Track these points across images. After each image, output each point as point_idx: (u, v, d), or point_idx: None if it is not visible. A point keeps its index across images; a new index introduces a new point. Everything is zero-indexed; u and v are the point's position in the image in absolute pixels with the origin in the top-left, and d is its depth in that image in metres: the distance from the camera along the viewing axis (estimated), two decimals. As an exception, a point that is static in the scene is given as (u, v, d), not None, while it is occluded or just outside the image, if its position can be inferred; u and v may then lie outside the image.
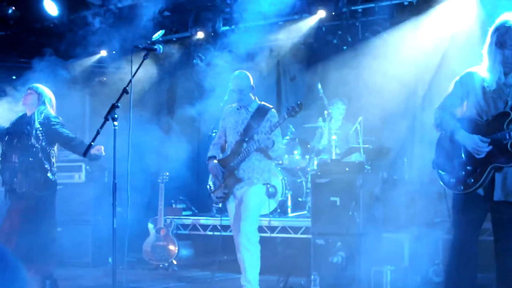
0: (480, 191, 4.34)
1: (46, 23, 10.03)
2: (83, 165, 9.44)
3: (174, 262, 8.61)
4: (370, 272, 6.42)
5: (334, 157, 7.69)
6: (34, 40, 10.35)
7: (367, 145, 7.71)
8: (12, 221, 6.24)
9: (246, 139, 5.97)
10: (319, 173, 7.16)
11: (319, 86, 7.81)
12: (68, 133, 6.32)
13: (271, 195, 8.24)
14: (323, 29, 9.13)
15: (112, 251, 4.89)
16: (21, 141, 6.25)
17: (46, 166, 6.25)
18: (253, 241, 5.92)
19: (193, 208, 9.92)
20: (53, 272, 6.63)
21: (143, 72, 9.10)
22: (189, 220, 9.25)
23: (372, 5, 8.55)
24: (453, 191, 4.48)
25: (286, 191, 8.61)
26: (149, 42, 8.39)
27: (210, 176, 6.26)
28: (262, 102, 6.23)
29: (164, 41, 9.60)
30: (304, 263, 7.04)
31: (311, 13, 8.72)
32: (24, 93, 6.53)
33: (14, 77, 10.07)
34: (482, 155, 4.30)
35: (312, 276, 6.44)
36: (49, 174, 6.27)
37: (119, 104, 5.01)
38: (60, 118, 6.45)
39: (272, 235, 8.20)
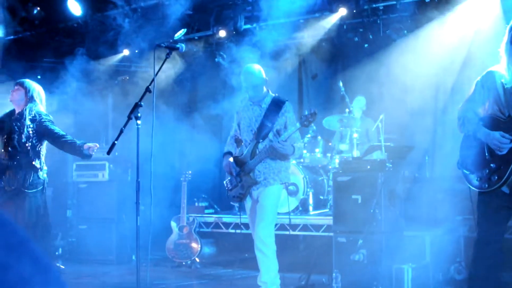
0: (505, 189, 4.35)
1: (70, 23, 10.16)
2: (107, 164, 9.54)
3: (197, 259, 8.67)
4: (391, 270, 6.39)
5: (355, 155, 7.69)
6: (58, 40, 10.47)
7: (388, 143, 7.69)
8: None
9: (261, 140, 5.81)
10: (340, 171, 7.17)
11: (341, 84, 7.82)
12: (59, 130, 6.14)
13: (291, 193, 8.27)
14: (344, 26, 9.14)
15: (136, 249, 4.96)
16: (10, 139, 6.07)
17: (36, 163, 6.05)
18: (268, 243, 5.75)
19: (215, 206, 9.97)
20: None
21: (166, 71, 9.18)
22: (211, 218, 9.28)
23: (394, 2, 8.53)
24: (478, 189, 4.50)
25: (308, 189, 8.61)
26: (171, 41, 8.52)
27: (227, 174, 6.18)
28: (276, 94, 6.04)
29: (186, 40, 9.66)
30: (326, 261, 7.03)
31: (332, 11, 8.72)
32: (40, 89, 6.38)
33: (39, 77, 10.21)
34: (505, 152, 4.32)
35: (334, 274, 6.46)
36: (39, 172, 6.07)
37: (142, 103, 5.07)
38: (50, 116, 6.26)
39: (294, 233, 8.22)
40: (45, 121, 6.13)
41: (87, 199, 9.64)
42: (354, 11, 8.65)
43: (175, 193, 9.14)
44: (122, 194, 9.29)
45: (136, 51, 10.21)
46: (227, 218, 9.11)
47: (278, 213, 6.31)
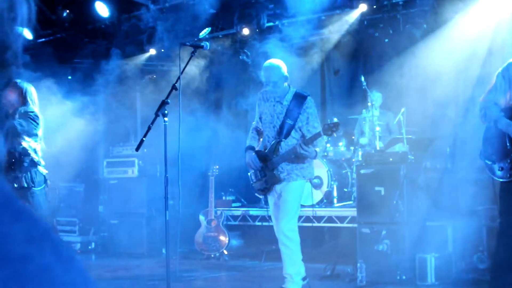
0: (527, 178, 4.42)
1: (98, 24, 10.37)
2: (136, 160, 9.75)
3: (225, 252, 8.82)
4: (415, 259, 6.48)
5: (378, 148, 7.79)
6: (87, 41, 10.70)
7: (410, 136, 7.77)
8: None
9: (283, 139, 5.79)
10: (363, 164, 7.25)
11: (362, 78, 7.90)
12: (24, 127, 5.80)
13: (316, 186, 8.41)
14: (365, 22, 9.19)
15: (166, 242, 5.05)
16: (7, 138, 5.81)
17: (35, 159, 5.87)
18: (291, 237, 5.74)
19: (242, 199, 10.07)
20: None
21: (192, 69, 9.35)
22: (238, 211, 9.41)
23: (413, -3, 8.58)
24: (500, 179, 4.58)
25: (332, 182, 8.71)
26: (196, 39, 8.70)
27: None
28: (298, 90, 5.95)
29: (211, 38, 9.79)
30: (350, 252, 7.14)
31: (353, 7, 8.80)
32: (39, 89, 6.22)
33: (69, 77, 10.48)
34: (525, 142, 4.40)
35: (358, 264, 6.57)
36: (38, 168, 5.88)
37: (168, 101, 5.13)
38: (40, 116, 5.98)
39: (319, 224, 8.34)
40: (25, 119, 5.85)
41: (118, 195, 9.87)
42: (374, 6, 8.73)
43: (203, 188, 9.29)
44: (152, 190, 9.47)
45: (162, 50, 10.37)
46: (254, 211, 9.24)
47: (304, 206, 6.36)
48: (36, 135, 5.95)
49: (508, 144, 4.51)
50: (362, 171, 7.12)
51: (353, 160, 8.72)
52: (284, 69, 5.84)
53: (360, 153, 8.38)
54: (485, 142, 4.73)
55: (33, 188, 5.86)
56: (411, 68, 8.47)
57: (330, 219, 8.39)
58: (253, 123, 6.20)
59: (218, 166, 9.02)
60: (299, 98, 5.82)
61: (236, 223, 9.36)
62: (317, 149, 5.75)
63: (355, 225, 7.22)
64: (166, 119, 5.14)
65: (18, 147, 5.86)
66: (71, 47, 10.63)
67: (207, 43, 5.60)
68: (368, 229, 6.87)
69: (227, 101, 11.42)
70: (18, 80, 6.01)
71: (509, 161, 4.47)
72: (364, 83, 7.85)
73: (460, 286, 6.45)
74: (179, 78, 5.24)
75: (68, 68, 10.73)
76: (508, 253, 4.56)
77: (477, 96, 5.58)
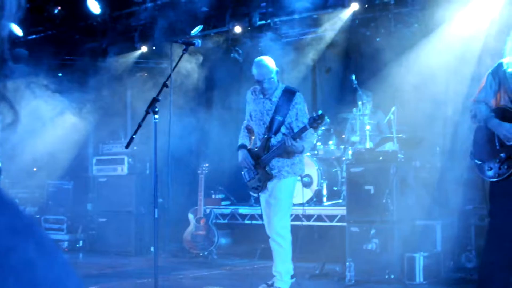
0: (516, 178, 4.43)
1: (90, 21, 10.32)
2: (126, 158, 9.71)
3: (214, 250, 8.80)
4: (403, 258, 6.50)
5: (368, 146, 7.80)
6: (79, 38, 10.65)
7: (400, 135, 7.78)
8: None
9: (273, 136, 5.79)
10: (353, 163, 7.27)
11: (353, 77, 7.91)
12: None
13: (306, 185, 8.41)
14: (356, 21, 9.20)
15: (154, 241, 5.07)
16: None
17: None
18: (283, 235, 5.77)
19: (231, 198, 10.06)
20: None
21: (183, 66, 9.32)
22: (228, 210, 9.39)
23: (404, -4, 8.59)
24: (489, 179, 4.60)
25: (322, 181, 8.71)
26: (187, 37, 8.68)
27: None
28: (287, 85, 5.96)
29: (203, 36, 9.77)
30: (340, 250, 7.13)
31: (345, 6, 8.81)
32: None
33: (60, 74, 10.43)
34: (514, 142, 4.41)
35: (347, 263, 6.57)
36: None
37: (159, 98, 5.12)
38: None
39: (308, 223, 8.34)
40: None
41: (107, 193, 9.83)
42: (366, 5, 8.73)
43: (193, 186, 9.28)
44: (141, 188, 9.46)
45: (154, 47, 10.35)
46: (243, 210, 9.23)
47: (293, 204, 6.37)
48: None
49: (497, 144, 4.53)
50: (352, 170, 7.13)
51: (343, 158, 8.73)
52: (273, 64, 5.84)
53: (350, 151, 8.40)
54: (475, 142, 4.75)
55: None
56: (402, 67, 8.47)
57: (319, 218, 8.37)
58: (244, 122, 6.21)
59: (208, 164, 8.99)
60: (288, 94, 5.83)
61: (225, 221, 9.34)
62: (307, 143, 5.75)
63: (344, 224, 7.21)
64: (156, 116, 5.13)
65: None
66: (63, 44, 10.58)
67: (199, 41, 5.64)
68: (357, 228, 6.88)
69: (218, 99, 11.40)
70: None
71: (498, 161, 4.49)
72: (355, 82, 7.86)
73: (448, 285, 6.45)
74: (170, 75, 5.24)
75: (59, 64, 10.68)
76: (499, 253, 4.57)
77: (469, 95, 5.59)
